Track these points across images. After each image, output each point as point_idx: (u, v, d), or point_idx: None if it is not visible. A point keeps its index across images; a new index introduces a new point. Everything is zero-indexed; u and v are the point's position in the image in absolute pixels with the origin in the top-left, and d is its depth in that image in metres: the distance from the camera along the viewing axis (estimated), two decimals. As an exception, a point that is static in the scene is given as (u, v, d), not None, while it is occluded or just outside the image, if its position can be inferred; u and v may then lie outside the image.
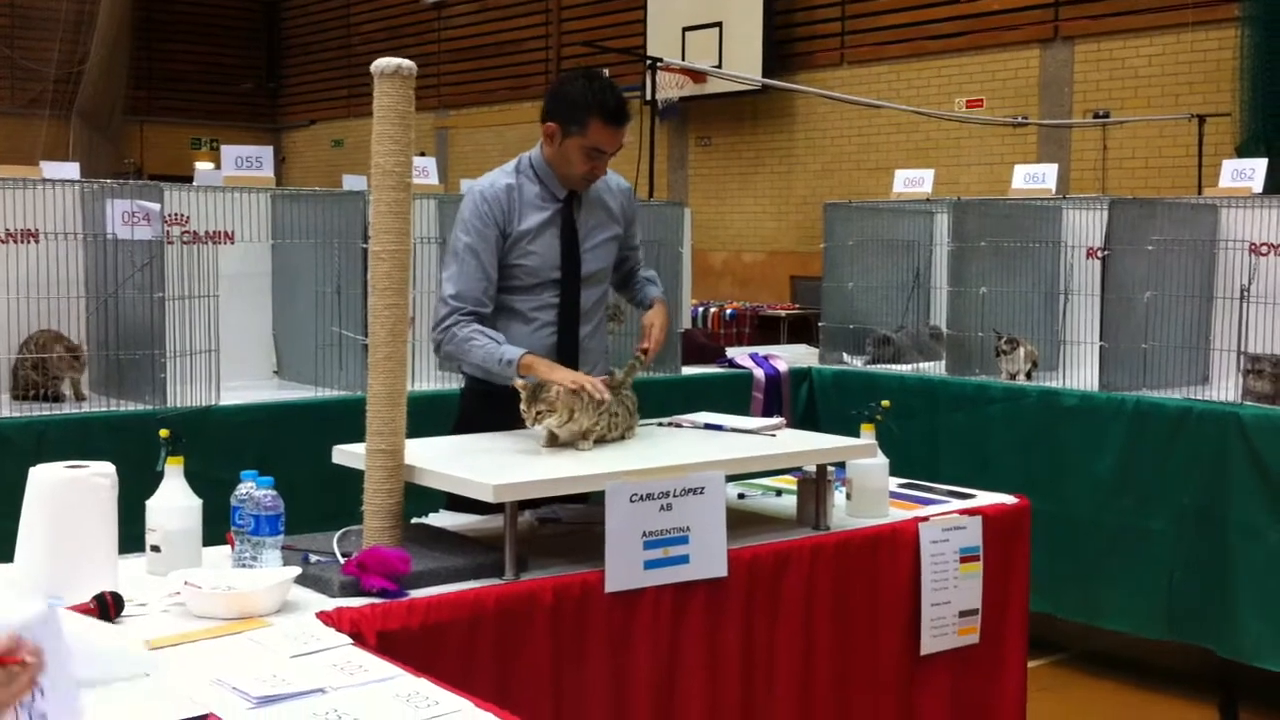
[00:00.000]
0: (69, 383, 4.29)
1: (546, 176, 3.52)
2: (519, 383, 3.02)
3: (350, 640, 2.23)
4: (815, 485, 3.14)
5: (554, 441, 3.02)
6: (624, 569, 2.69)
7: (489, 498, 2.64)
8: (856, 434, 3.28)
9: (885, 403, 3.37)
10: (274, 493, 2.55)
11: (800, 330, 10.52)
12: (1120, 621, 4.81)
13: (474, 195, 3.49)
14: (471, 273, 3.44)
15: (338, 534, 2.80)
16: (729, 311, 11.37)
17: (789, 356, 6.16)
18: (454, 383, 3.76)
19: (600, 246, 3.59)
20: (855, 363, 5.96)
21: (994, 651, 3.35)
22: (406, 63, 2.76)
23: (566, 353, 3.52)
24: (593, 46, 12.56)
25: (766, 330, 10.99)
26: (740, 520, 3.10)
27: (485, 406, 3.49)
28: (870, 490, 3.25)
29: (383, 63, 2.75)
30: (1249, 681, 4.75)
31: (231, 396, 4.41)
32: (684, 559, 2.77)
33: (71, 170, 5.31)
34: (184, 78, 18.82)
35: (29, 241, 4.36)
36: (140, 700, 1.88)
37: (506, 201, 3.47)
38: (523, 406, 2.95)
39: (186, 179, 5.66)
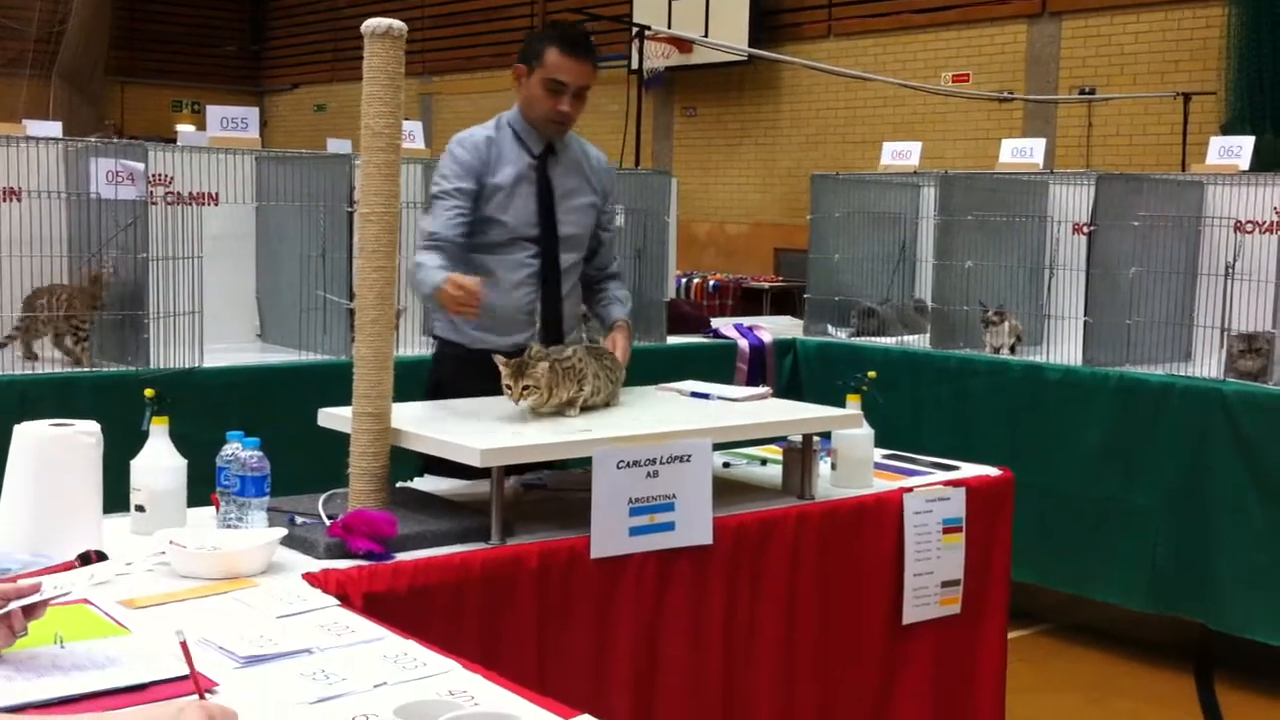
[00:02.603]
0: (57, 342, 4.25)
1: (523, 130, 3.55)
2: (500, 359, 2.99)
3: (337, 602, 2.22)
4: (801, 455, 3.14)
5: (538, 410, 3.00)
6: (609, 535, 2.69)
7: (476, 462, 2.63)
8: (841, 405, 3.28)
9: (871, 373, 3.37)
10: (260, 454, 2.54)
11: (783, 303, 10.53)
12: (1106, 593, 4.85)
13: (452, 146, 3.53)
14: (451, 216, 3.45)
15: (323, 496, 2.79)
16: (712, 283, 11.36)
17: (773, 328, 6.16)
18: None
19: (577, 211, 3.60)
20: (839, 335, 5.96)
21: (975, 622, 3.37)
22: (397, 23, 2.74)
23: (550, 313, 3.52)
24: (579, 14, 12.47)
25: (750, 302, 10.99)
26: (726, 489, 3.10)
27: (458, 371, 3.49)
28: (855, 460, 3.26)
29: (373, 23, 2.73)
30: (1224, 653, 4.80)
31: (214, 359, 4.39)
32: (669, 526, 2.77)
33: (54, 129, 5.26)
34: (166, 39, 18.66)
35: (11, 200, 4.32)
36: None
37: (486, 152, 3.51)
38: (506, 382, 2.94)
39: (167, 141, 5.61)
